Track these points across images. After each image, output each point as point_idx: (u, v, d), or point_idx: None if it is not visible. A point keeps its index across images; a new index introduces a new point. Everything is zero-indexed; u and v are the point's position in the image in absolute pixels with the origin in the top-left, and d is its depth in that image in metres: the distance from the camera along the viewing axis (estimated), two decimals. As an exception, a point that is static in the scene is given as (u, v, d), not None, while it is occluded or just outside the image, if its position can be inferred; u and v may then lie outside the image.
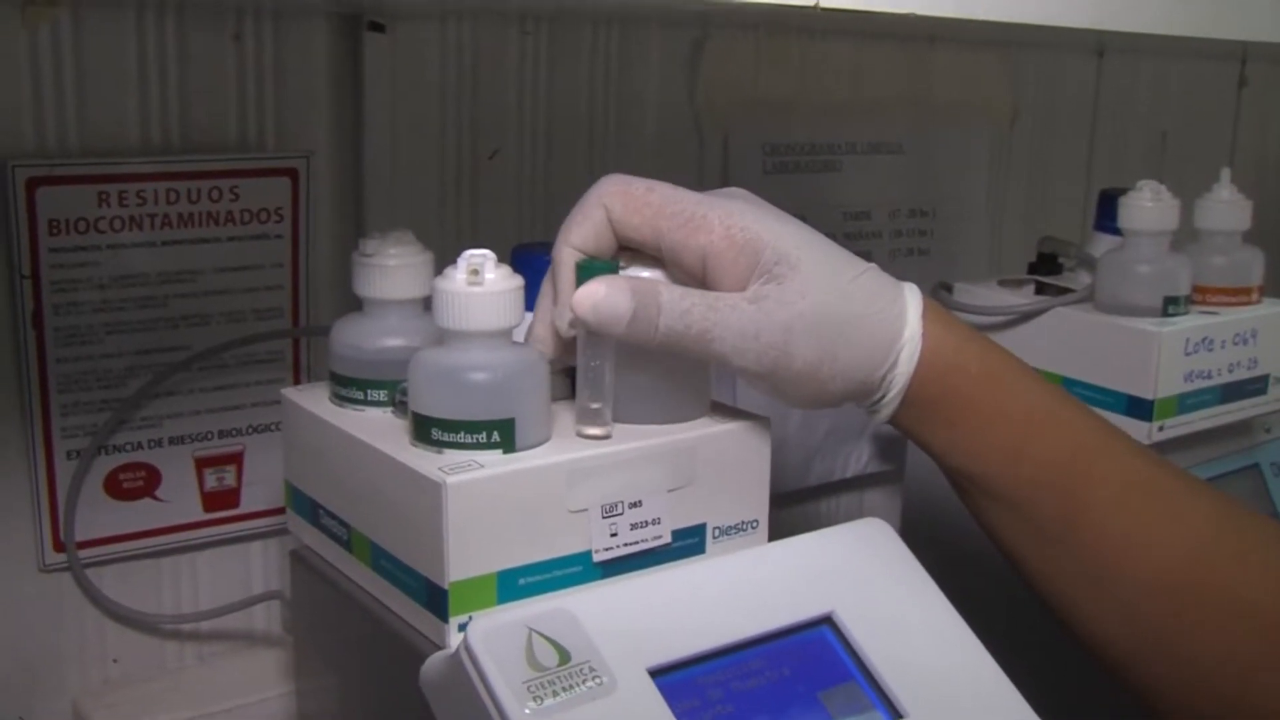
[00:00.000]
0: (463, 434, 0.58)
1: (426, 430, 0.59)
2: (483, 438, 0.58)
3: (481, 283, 0.58)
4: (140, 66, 0.77)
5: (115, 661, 0.84)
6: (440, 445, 0.58)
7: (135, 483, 0.81)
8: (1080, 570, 0.64)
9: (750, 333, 0.58)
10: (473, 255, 0.58)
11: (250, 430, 0.84)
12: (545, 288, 0.63)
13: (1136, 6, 0.83)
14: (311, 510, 0.68)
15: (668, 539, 0.62)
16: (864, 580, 0.63)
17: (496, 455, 0.58)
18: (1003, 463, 0.63)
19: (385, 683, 0.65)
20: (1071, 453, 0.63)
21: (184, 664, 0.86)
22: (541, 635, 0.54)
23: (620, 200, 0.60)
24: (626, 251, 0.62)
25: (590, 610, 0.56)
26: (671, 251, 0.59)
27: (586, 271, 0.59)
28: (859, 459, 1.13)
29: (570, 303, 0.58)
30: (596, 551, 0.59)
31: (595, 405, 0.60)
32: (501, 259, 0.59)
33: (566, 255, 0.60)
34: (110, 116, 0.77)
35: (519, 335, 0.62)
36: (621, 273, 0.60)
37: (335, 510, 0.65)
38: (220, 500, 0.84)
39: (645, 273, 0.61)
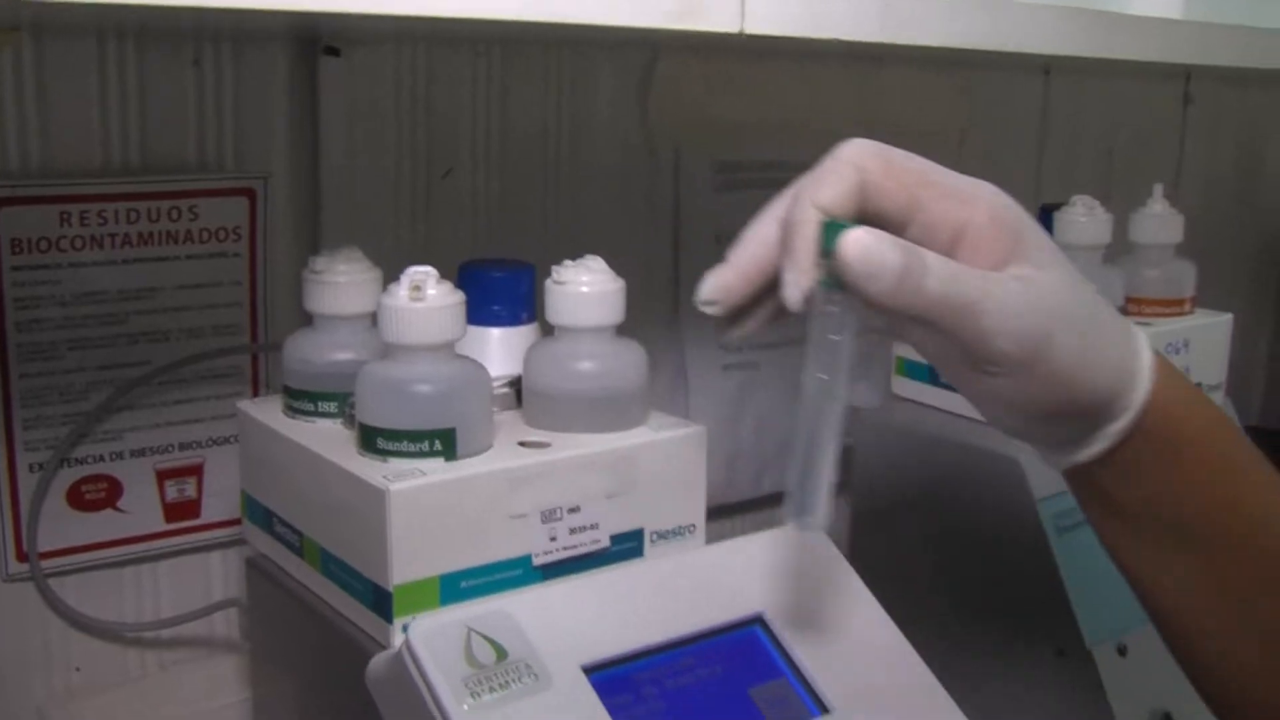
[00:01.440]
0: (406, 443, 0.61)
1: (372, 440, 0.61)
2: (425, 446, 0.61)
3: (423, 298, 0.60)
4: (101, 90, 0.79)
5: (78, 670, 0.85)
6: (385, 454, 0.61)
7: (97, 494, 0.83)
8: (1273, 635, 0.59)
9: (1019, 311, 0.52)
10: (415, 272, 0.61)
11: (210, 443, 0.87)
12: (743, 240, 0.56)
13: (1076, 31, 0.86)
14: (266, 518, 0.70)
15: (606, 543, 0.64)
16: (795, 582, 0.66)
17: (439, 463, 0.61)
18: (1216, 508, 0.58)
19: (337, 684, 0.67)
20: None
21: (146, 672, 0.88)
22: (480, 634, 0.57)
23: (879, 163, 0.54)
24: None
25: (528, 610, 0.59)
26: (926, 223, 0.54)
27: (836, 230, 0.51)
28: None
29: (840, 250, 0.50)
30: (536, 555, 0.62)
31: (825, 394, 0.54)
32: (453, 276, 0.62)
33: (810, 214, 0.52)
34: (72, 138, 0.79)
35: (475, 351, 0.64)
36: None
37: (288, 518, 0.68)
38: (181, 511, 0.87)
39: None
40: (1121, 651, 0.90)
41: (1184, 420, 0.57)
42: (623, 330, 0.68)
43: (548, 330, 0.69)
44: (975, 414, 0.97)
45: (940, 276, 0.50)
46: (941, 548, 0.97)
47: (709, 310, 0.56)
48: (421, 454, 0.61)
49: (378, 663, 0.59)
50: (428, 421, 0.60)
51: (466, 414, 0.62)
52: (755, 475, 1.12)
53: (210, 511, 0.88)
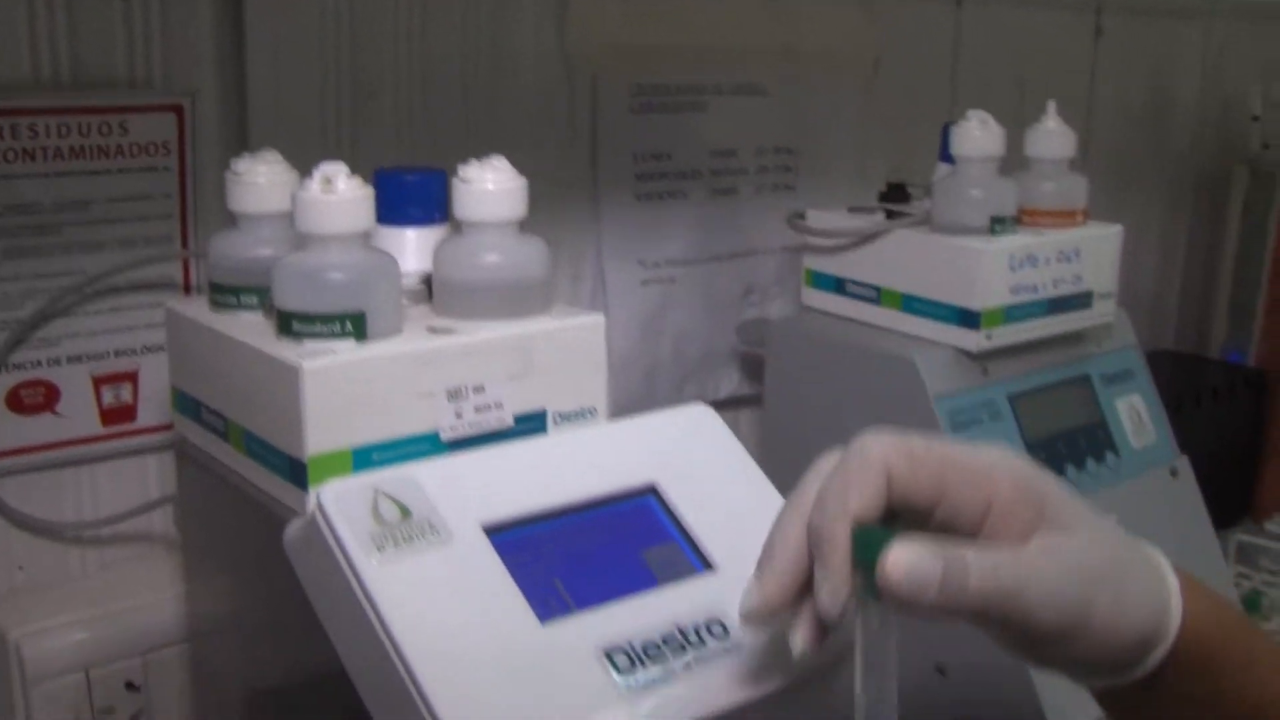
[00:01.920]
0: (319, 325, 0.65)
1: (288, 324, 0.66)
2: (337, 328, 0.65)
3: (335, 191, 0.65)
4: (29, 6, 0.82)
5: (21, 569, 0.90)
6: (300, 336, 0.65)
7: (35, 399, 0.87)
8: None
9: (1058, 587, 0.53)
10: (326, 166, 0.65)
11: (144, 350, 0.91)
12: (772, 549, 0.56)
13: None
14: (194, 409, 0.75)
15: (510, 422, 0.69)
16: (687, 456, 0.70)
17: (350, 344, 0.65)
18: (1254, 712, 0.59)
19: (263, 564, 0.71)
20: None
21: (87, 570, 0.92)
22: (386, 495, 0.61)
23: (904, 460, 0.54)
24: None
25: (432, 477, 0.63)
26: (953, 505, 0.55)
27: (868, 539, 0.52)
28: (729, 382, 1.20)
29: (882, 571, 0.51)
30: (443, 431, 0.67)
31: (878, 700, 0.54)
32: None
33: (841, 525, 0.53)
34: (2, 54, 0.82)
35: (391, 250, 0.68)
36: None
37: (214, 405, 0.72)
38: (117, 415, 0.91)
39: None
40: (1013, 540, 0.95)
41: (1213, 637, 0.58)
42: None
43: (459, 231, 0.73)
44: (879, 321, 1.02)
45: (980, 574, 0.51)
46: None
47: (752, 624, 0.56)
48: (334, 335, 0.65)
49: (293, 528, 0.63)
50: (339, 304, 0.65)
51: (376, 299, 0.66)
52: (676, 385, 1.17)
53: (146, 416, 0.92)
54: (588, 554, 0.64)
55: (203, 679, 0.88)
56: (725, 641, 0.62)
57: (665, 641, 0.61)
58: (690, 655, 0.61)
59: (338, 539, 0.59)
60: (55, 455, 0.89)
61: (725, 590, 0.64)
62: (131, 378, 0.91)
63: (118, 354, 0.90)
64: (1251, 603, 1.18)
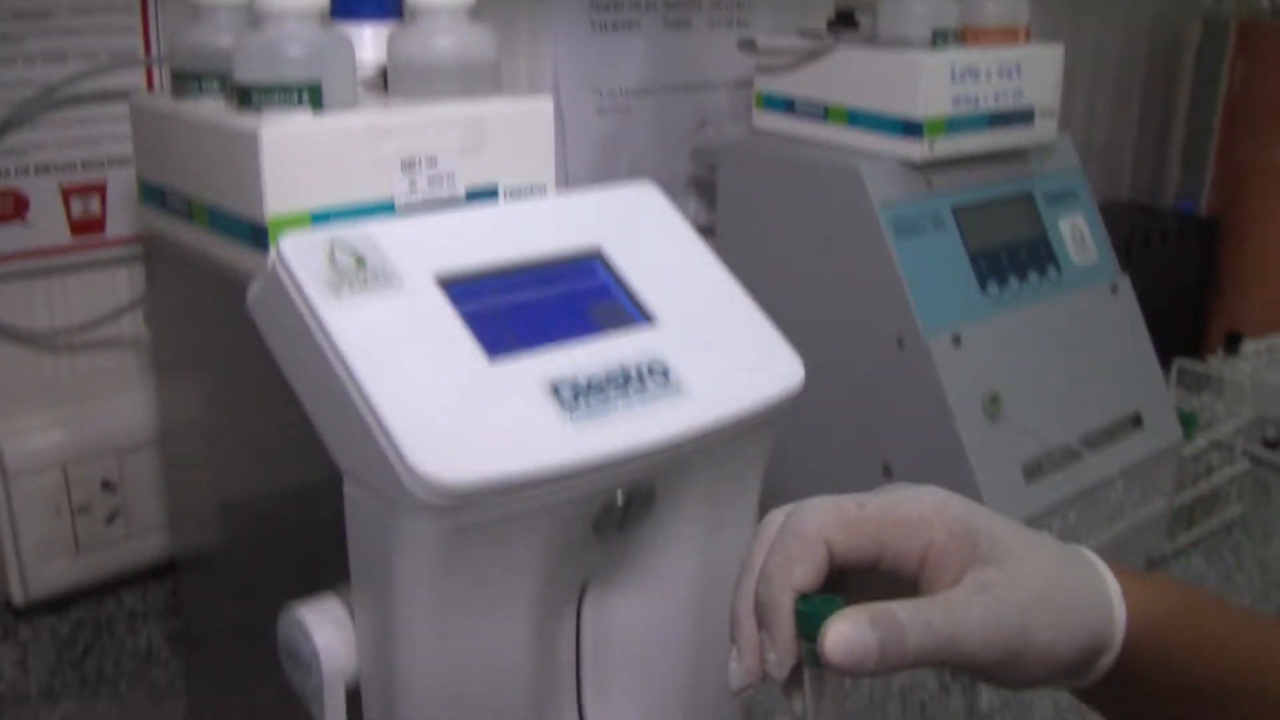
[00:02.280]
0: (277, 95, 0.68)
1: (247, 96, 0.68)
2: (294, 98, 0.68)
3: (290, -34, 0.67)
4: None
5: (-4, 376, 0.93)
6: (258, 106, 0.68)
7: (5, 208, 0.90)
8: None
9: (992, 624, 0.55)
10: (281, -55, 0.68)
11: (111, 163, 0.93)
12: (739, 622, 0.58)
13: None
14: (160, 197, 0.77)
15: (461, 194, 0.72)
16: (633, 226, 0.74)
17: (306, 113, 0.68)
18: (1244, 672, 0.62)
19: (229, 359, 0.75)
20: None
21: (60, 378, 0.95)
22: (342, 246, 0.64)
23: (841, 529, 0.57)
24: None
25: (387, 233, 0.67)
26: (895, 558, 0.57)
27: (809, 612, 0.55)
28: (685, 212, 1.23)
29: (823, 650, 0.54)
30: (398, 198, 0.70)
31: None
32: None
33: (784, 598, 0.56)
34: None
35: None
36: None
37: (178, 188, 0.75)
38: (86, 226, 0.93)
39: None
40: (956, 341, 0.99)
41: (1163, 624, 0.61)
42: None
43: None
44: (826, 137, 1.05)
45: (916, 635, 0.53)
46: (797, 259, 1.06)
47: (745, 694, 0.58)
48: (291, 104, 0.68)
49: (255, 285, 0.67)
50: (295, 75, 0.68)
51: (332, 72, 0.69)
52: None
53: (115, 228, 0.94)
54: (535, 305, 0.68)
55: (175, 483, 0.91)
56: (665, 383, 0.65)
57: (608, 379, 0.64)
58: (632, 393, 0.64)
59: (296, 284, 0.62)
60: (26, 265, 0.92)
61: (667, 339, 0.68)
62: (99, 189, 0.93)
63: (85, 166, 0.92)
64: (1188, 419, 1.22)
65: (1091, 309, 1.13)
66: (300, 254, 0.63)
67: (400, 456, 0.57)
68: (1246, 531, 1.27)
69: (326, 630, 0.65)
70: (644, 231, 0.74)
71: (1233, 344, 1.46)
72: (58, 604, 0.94)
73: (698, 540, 0.71)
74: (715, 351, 0.69)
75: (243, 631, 0.80)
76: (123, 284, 0.96)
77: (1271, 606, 1.16)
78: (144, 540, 0.95)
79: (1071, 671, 0.60)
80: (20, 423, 0.90)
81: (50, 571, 0.92)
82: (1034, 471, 1.02)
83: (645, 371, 0.66)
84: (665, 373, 0.66)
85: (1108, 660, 0.60)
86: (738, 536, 0.73)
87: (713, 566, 0.72)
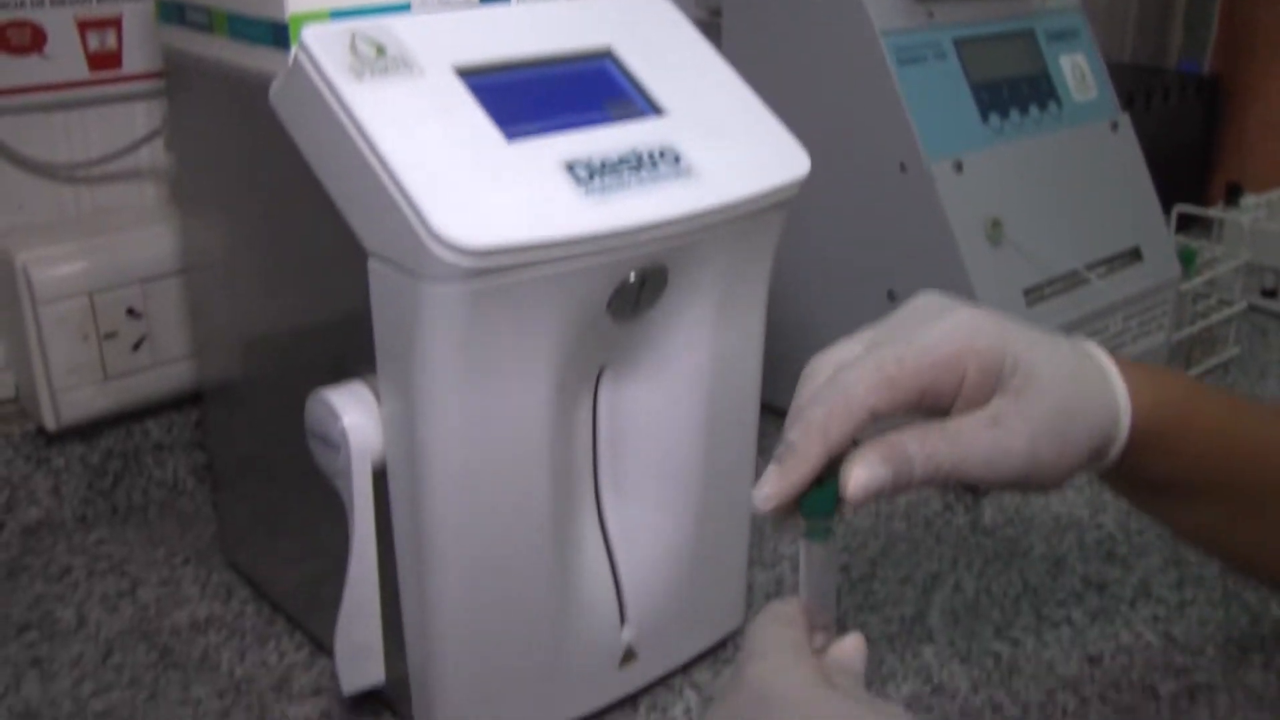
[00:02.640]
0: (293, -106, 0.69)
1: (262, -102, 0.70)
2: (310, -103, 0.69)
3: None
4: None
5: (21, 208, 0.95)
6: (275, -93, 0.70)
7: (22, 39, 0.91)
8: None
9: (998, 454, 0.60)
10: None
11: (126, -3, 0.95)
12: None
13: None
14: (178, 13, 0.79)
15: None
16: (644, 28, 0.76)
17: (322, -89, 0.69)
18: (1248, 455, 0.67)
19: (248, 145, 0.76)
20: None
21: (81, 211, 0.98)
22: (362, 36, 0.66)
23: (888, 393, 0.60)
24: None
25: (406, 27, 0.68)
26: (933, 402, 0.61)
27: (815, 497, 0.59)
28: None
29: (845, 493, 0.58)
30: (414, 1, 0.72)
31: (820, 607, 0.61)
32: None
33: (814, 455, 0.59)
34: None
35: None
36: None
37: (196, 0, 0.77)
38: (103, 61, 0.95)
39: None
40: (958, 168, 1.01)
41: (1168, 408, 0.65)
42: None
43: None
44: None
45: (922, 466, 0.58)
46: (800, 88, 1.07)
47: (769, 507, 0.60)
48: (307, -98, 0.69)
49: (278, 81, 0.69)
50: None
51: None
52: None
53: (131, 63, 0.96)
54: (550, 96, 0.70)
55: (199, 311, 0.94)
56: (676, 166, 0.68)
57: (621, 160, 0.66)
58: (644, 173, 0.66)
59: (319, 69, 0.64)
60: (45, 98, 0.93)
61: (677, 128, 0.70)
62: (115, 24, 0.95)
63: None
64: (1188, 256, 1.24)
65: (1092, 144, 1.14)
66: (323, 42, 0.65)
67: (424, 222, 0.60)
68: (1243, 370, 1.29)
69: (353, 410, 0.68)
70: (653, 34, 0.76)
71: (1233, 195, 1.48)
72: (87, 432, 0.97)
73: (708, 328, 0.73)
74: (724, 140, 0.71)
75: (269, 459, 0.83)
76: (140, 118, 0.98)
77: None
78: (169, 369, 0.98)
79: (1080, 470, 0.64)
80: (46, 251, 0.92)
81: (80, 397, 0.94)
82: (1035, 296, 1.04)
83: (657, 155, 0.68)
84: (677, 158, 0.68)
85: (1115, 452, 0.64)
86: (747, 329, 0.75)
87: (723, 360, 0.75)
